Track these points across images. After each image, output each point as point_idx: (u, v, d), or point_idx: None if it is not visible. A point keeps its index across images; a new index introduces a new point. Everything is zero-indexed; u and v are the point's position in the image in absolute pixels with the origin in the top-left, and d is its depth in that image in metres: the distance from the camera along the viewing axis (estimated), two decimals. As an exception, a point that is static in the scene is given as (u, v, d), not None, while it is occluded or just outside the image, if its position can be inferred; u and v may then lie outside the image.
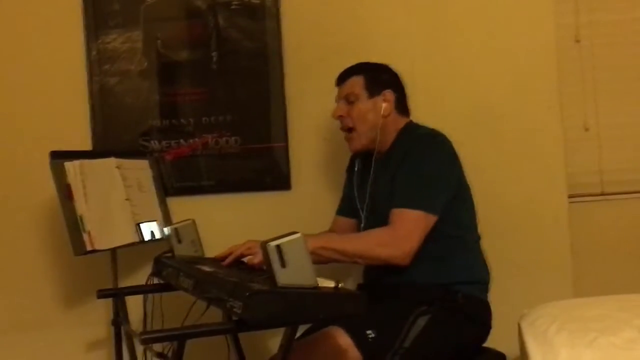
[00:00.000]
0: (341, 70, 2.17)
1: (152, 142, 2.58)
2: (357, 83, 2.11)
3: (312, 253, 1.58)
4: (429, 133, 2.05)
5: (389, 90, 2.10)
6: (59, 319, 2.58)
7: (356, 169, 2.21)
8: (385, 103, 2.08)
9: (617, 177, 2.60)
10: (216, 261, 1.94)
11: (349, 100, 2.11)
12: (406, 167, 1.96)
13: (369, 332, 1.80)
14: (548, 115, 2.49)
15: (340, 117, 2.13)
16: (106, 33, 2.58)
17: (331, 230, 2.28)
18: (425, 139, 2.02)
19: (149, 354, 1.85)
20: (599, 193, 2.59)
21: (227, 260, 1.90)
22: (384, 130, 2.08)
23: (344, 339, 1.78)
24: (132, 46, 2.58)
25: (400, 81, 2.17)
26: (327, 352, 1.79)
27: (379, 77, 2.12)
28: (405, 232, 1.89)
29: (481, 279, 2.07)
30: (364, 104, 2.09)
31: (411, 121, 2.16)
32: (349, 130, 2.12)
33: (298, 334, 1.63)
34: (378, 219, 2.01)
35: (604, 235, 2.54)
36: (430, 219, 1.92)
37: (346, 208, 2.26)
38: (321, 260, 1.85)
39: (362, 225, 2.14)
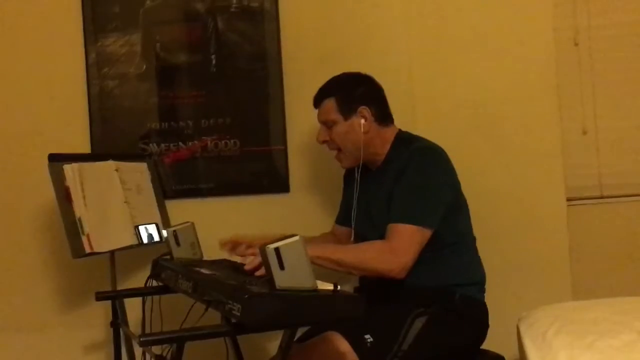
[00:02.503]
0: (340, 73, 2.16)
1: (151, 145, 2.58)
2: (330, 108, 2.09)
3: None
4: (423, 146, 2.04)
5: (364, 107, 2.06)
6: (57, 321, 2.58)
7: (356, 177, 2.20)
8: (363, 120, 2.06)
9: (615, 181, 2.60)
10: (215, 263, 1.95)
11: (327, 125, 2.11)
12: (402, 183, 1.96)
13: (367, 336, 1.80)
14: (546, 118, 2.49)
15: (324, 142, 2.15)
16: (105, 36, 2.58)
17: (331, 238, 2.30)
18: (420, 154, 2.01)
19: (147, 356, 1.84)
20: (597, 196, 2.59)
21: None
22: (369, 144, 2.08)
23: (342, 344, 1.78)
24: (131, 49, 2.58)
25: (376, 89, 2.13)
26: (326, 357, 1.79)
27: (352, 95, 2.08)
28: (401, 247, 1.89)
29: (478, 280, 2.08)
30: (342, 127, 2.08)
31: (401, 130, 2.14)
32: (338, 150, 2.13)
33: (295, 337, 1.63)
34: (370, 230, 2.03)
35: (602, 238, 2.54)
36: (426, 233, 1.92)
37: (345, 217, 2.25)
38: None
39: (352, 235, 2.15)
